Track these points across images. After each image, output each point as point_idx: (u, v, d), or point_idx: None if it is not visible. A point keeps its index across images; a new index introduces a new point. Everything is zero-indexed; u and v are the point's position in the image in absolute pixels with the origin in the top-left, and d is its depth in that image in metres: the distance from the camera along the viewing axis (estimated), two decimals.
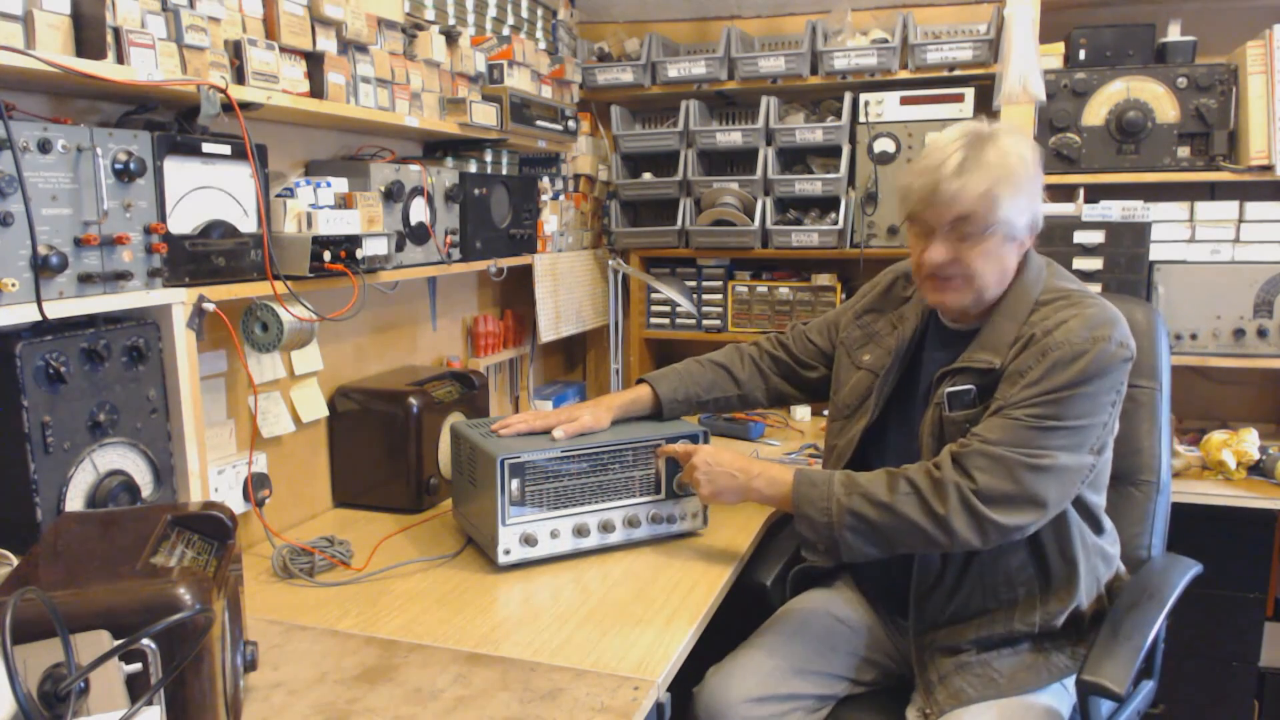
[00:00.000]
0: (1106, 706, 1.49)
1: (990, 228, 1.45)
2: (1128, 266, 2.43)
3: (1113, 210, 2.43)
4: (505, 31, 2.49)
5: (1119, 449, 1.70)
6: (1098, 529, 1.57)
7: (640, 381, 1.90)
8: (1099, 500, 1.57)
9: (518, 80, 2.41)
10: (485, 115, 2.21)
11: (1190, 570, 1.67)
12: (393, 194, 1.90)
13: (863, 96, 2.72)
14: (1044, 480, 1.40)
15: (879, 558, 1.50)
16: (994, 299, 1.52)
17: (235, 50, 1.55)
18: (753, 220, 2.77)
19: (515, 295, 2.72)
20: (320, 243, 1.65)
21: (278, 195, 1.69)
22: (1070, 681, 1.53)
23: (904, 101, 2.67)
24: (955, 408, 1.51)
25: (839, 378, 1.79)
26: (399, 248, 1.92)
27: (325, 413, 2.00)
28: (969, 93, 2.63)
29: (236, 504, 1.68)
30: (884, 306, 1.77)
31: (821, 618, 1.69)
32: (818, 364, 1.88)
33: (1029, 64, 2.41)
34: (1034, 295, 1.51)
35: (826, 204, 2.80)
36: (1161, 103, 2.43)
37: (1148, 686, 1.68)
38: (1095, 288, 2.41)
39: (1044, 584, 1.52)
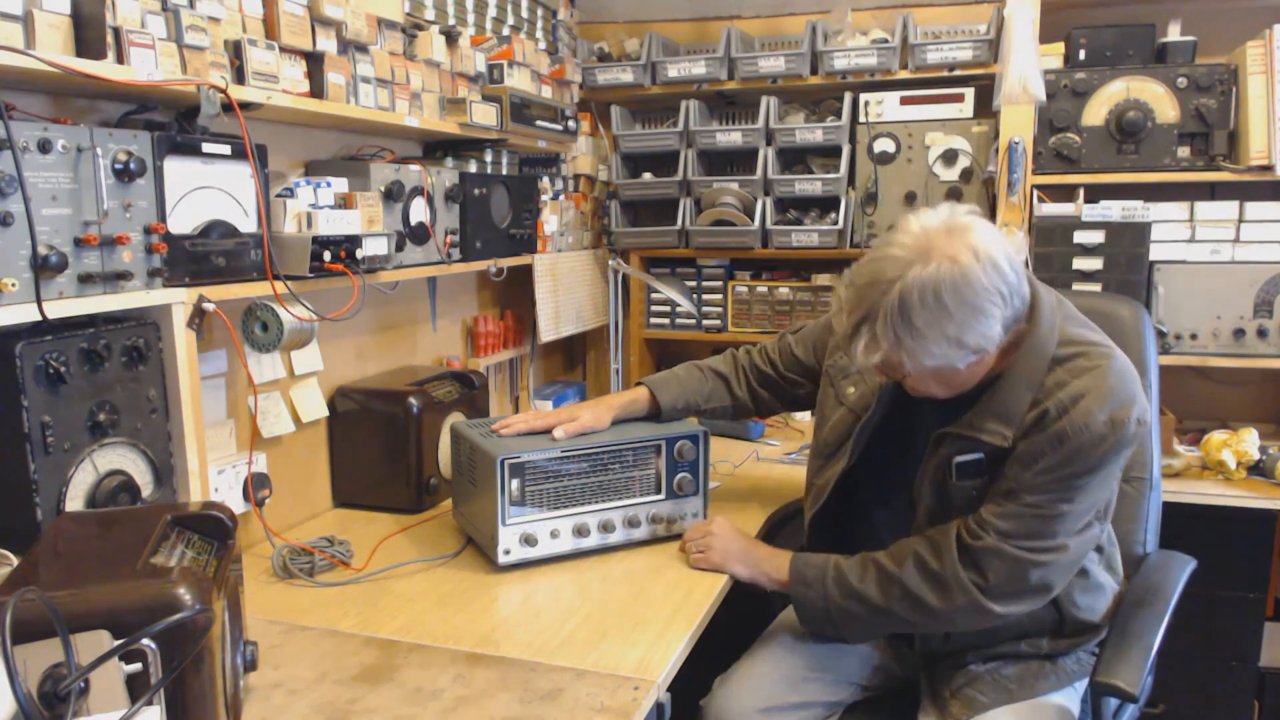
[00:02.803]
0: (1113, 702, 1.50)
1: (914, 373, 1.35)
2: (1128, 266, 2.43)
3: (1113, 210, 2.43)
4: (505, 31, 2.49)
5: None
6: (1099, 553, 1.56)
7: (640, 384, 1.89)
8: (1104, 531, 1.54)
9: (518, 80, 2.41)
10: (485, 115, 2.21)
11: (1188, 566, 1.69)
12: (393, 194, 1.90)
13: (863, 96, 2.72)
14: (1052, 571, 1.40)
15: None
16: (970, 388, 1.40)
17: (235, 50, 1.55)
18: (753, 220, 2.77)
19: (515, 295, 2.72)
20: (320, 243, 1.65)
21: (278, 195, 1.69)
22: (1079, 683, 1.53)
23: (904, 101, 2.67)
24: (963, 476, 1.43)
25: (823, 411, 1.71)
26: (399, 248, 1.92)
27: (325, 413, 2.00)
28: (969, 93, 2.63)
29: (236, 504, 1.68)
30: None
31: None
32: (803, 380, 1.84)
33: (1029, 64, 2.41)
34: (1049, 351, 1.38)
35: (826, 204, 2.80)
36: (1161, 103, 2.43)
37: (1147, 682, 1.68)
38: (1095, 288, 2.42)
39: (1057, 621, 1.52)
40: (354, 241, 1.71)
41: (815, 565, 1.54)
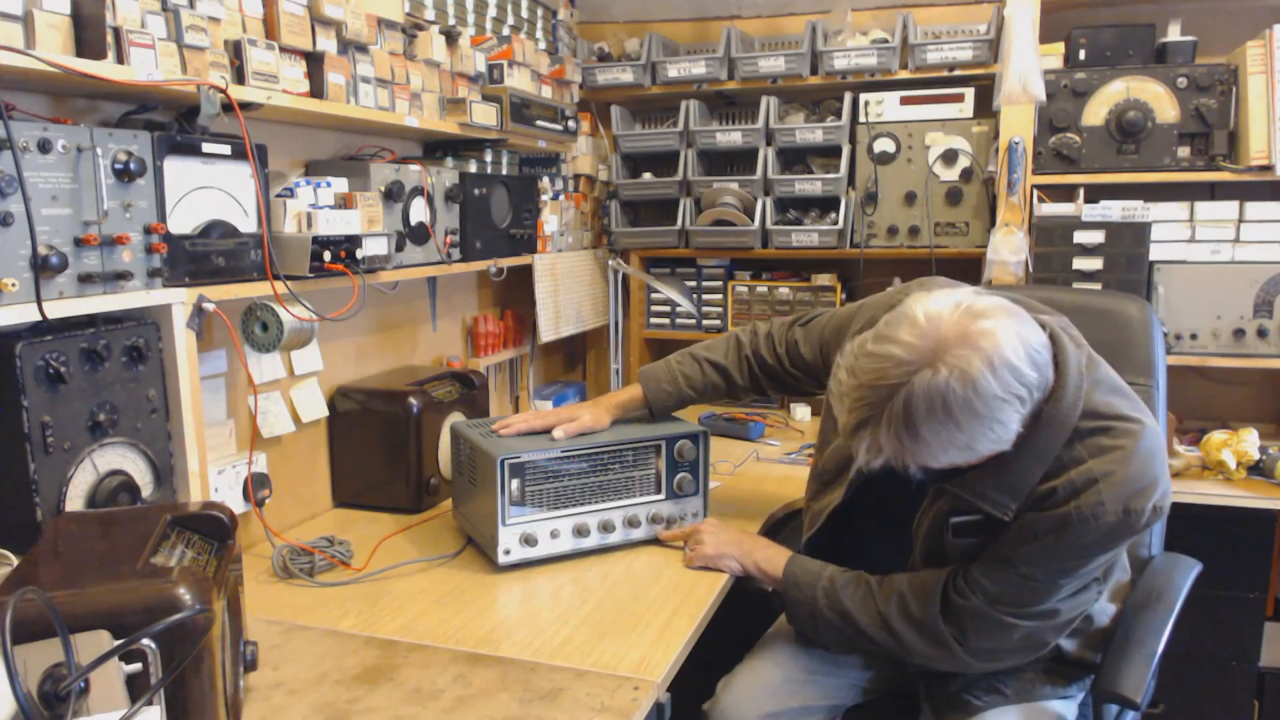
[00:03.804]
0: (1114, 708, 1.50)
1: (929, 469, 1.23)
2: (1128, 266, 2.43)
3: (1113, 210, 2.43)
4: (505, 31, 2.49)
5: None
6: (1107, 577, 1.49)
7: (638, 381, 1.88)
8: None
9: (518, 80, 2.41)
10: (485, 115, 2.21)
11: (1192, 570, 1.68)
12: (393, 194, 1.90)
13: (863, 96, 2.72)
14: (1041, 632, 1.37)
15: None
16: None
17: (235, 50, 1.55)
18: (753, 220, 2.77)
19: (515, 295, 2.72)
20: (320, 243, 1.65)
21: (278, 195, 1.69)
22: (1078, 687, 1.53)
23: (904, 101, 2.67)
24: (960, 535, 1.38)
25: (825, 433, 1.64)
26: (399, 248, 1.92)
27: (325, 413, 2.00)
28: (969, 93, 2.64)
29: (236, 504, 1.68)
30: None
31: None
32: (806, 377, 1.79)
33: (1029, 64, 2.41)
34: (1070, 423, 1.25)
35: (826, 204, 2.80)
36: (1161, 103, 2.43)
37: (1149, 684, 1.68)
38: (1095, 287, 2.42)
39: (1054, 658, 1.50)
40: (354, 241, 1.71)
41: (810, 571, 1.53)
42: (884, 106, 2.69)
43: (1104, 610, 1.52)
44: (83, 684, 0.80)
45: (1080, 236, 2.45)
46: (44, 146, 1.21)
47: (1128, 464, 1.23)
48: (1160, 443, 1.29)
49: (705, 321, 3.01)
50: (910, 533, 1.47)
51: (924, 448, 1.17)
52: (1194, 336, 2.44)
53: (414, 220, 1.99)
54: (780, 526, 1.97)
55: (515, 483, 1.65)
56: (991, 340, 1.15)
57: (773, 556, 1.60)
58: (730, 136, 2.83)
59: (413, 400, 1.96)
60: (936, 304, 1.20)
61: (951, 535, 1.37)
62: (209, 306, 1.48)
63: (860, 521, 1.61)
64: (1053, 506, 1.25)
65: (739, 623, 1.75)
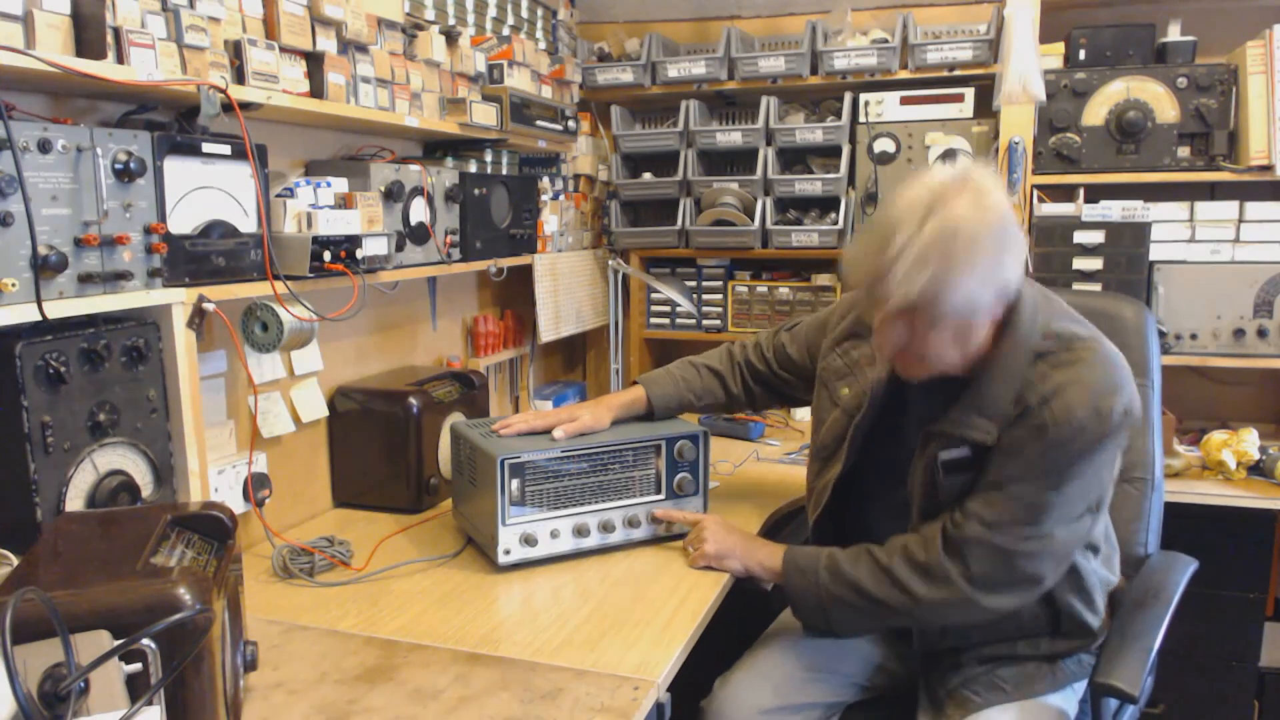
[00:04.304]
0: (1113, 703, 1.50)
1: (940, 319, 1.29)
2: (1128, 266, 2.43)
3: (1113, 210, 2.43)
4: (505, 31, 2.49)
5: None
6: (1095, 552, 1.55)
7: (637, 383, 1.89)
8: (1100, 528, 1.53)
9: (518, 80, 2.41)
10: (485, 115, 2.21)
11: (1189, 568, 1.68)
12: (393, 194, 1.90)
13: (863, 96, 2.72)
14: (1041, 563, 1.38)
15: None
16: (969, 365, 1.39)
17: (235, 50, 1.55)
18: (753, 220, 2.77)
19: (515, 295, 2.72)
20: (320, 243, 1.65)
21: (278, 195, 1.69)
22: (1078, 684, 1.53)
23: (904, 101, 2.67)
24: (950, 473, 1.43)
25: (819, 414, 1.70)
26: (399, 248, 1.92)
27: (325, 413, 2.00)
28: (969, 93, 2.63)
29: (236, 504, 1.68)
30: (865, 332, 1.62)
31: None
32: (795, 379, 1.84)
33: (1029, 64, 2.41)
34: (1031, 344, 1.37)
35: (826, 204, 2.80)
36: (1161, 103, 2.43)
37: (1147, 682, 1.68)
38: (1095, 287, 2.42)
39: (1053, 621, 1.51)
40: (354, 241, 1.71)
41: (809, 555, 1.54)
42: (884, 106, 2.69)
43: (1094, 571, 1.52)
44: (83, 684, 0.80)
45: (1080, 236, 2.45)
46: (44, 146, 1.21)
47: (1090, 370, 1.34)
48: (1119, 357, 1.38)
49: (705, 321, 3.01)
50: (906, 497, 1.51)
51: (920, 259, 1.24)
52: (1194, 336, 2.44)
53: (414, 220, 1.99)
54: (780, 526, 1.98)
55: (515, 483, 1.65)
56: (989, 188, 1.29)
57: (772, 552, 1.60)
58: (730, 136, 2.83)
59: (413, 400, 1.96)
60: (938, 173, 1.32)
61: (943, 475, 1.42)
62: (209, 306, 1.48)
63: (862, 494, 1.63)
64: (1029, 419, 1.34)
65: (739, 623, 1.75)
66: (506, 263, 2.42)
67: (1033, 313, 1.38)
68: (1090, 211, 2.44)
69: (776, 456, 2.44)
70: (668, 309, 3.05)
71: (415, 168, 2.00)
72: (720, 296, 2.98)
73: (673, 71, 2.83)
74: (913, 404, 1.52)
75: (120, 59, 1.33)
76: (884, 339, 1.38)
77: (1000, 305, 1.34)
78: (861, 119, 2.72)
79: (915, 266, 1.25)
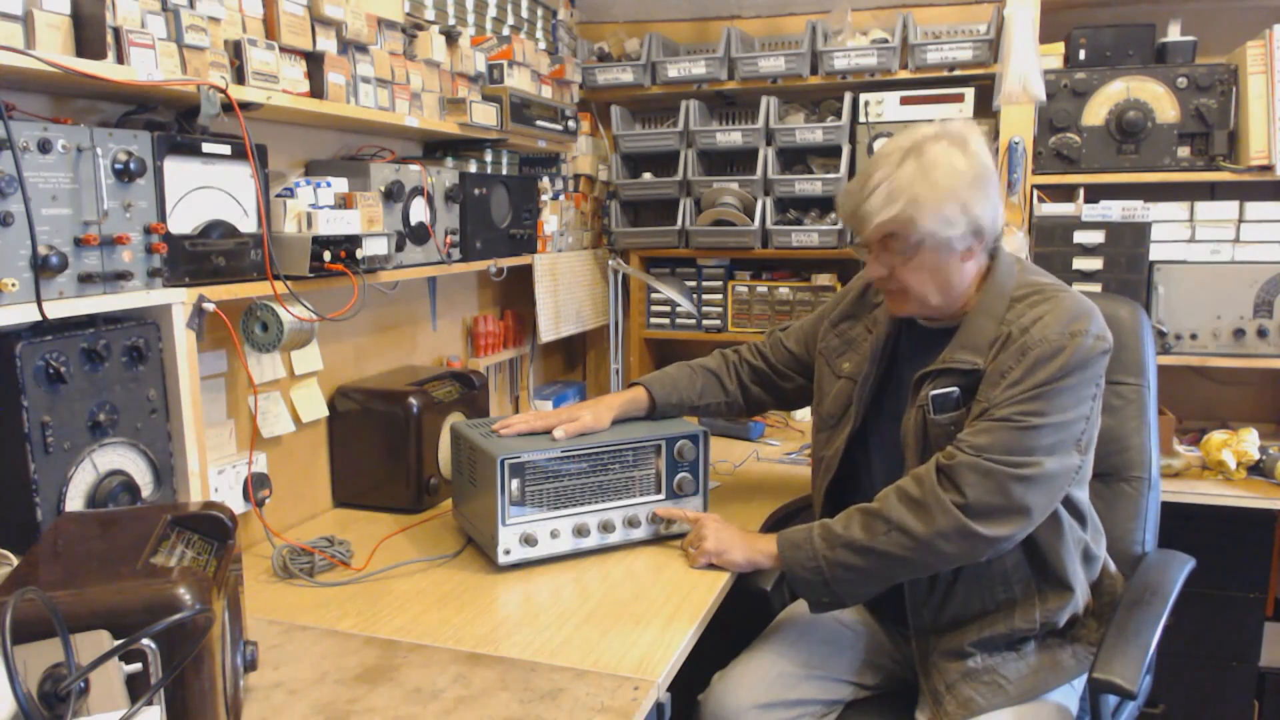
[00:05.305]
0: (1112, 701, 1.50)
1: (914, 244, 1.47)
2: (1128, 266, 2.43)
3: (1113, 210, 2.43)
4: (505, 31, 2.49)
5: (1109, 446, 1.73)
6: (1083, 525, 1.57)
7: (635, 384, 1.90)
8: (1084, 496, 1.57)
9: (518, 80, 2.41)
10: (485, 115, 2.21)
11: (1186, 565, 1.69)
12: (393, 194, 1.90)
13: (863, 96, 2.72)
14: (1032, 490, 1.41)
15: (883, 591, 1.51)
16: (952, 305, 1.54)
17: (235, 50, 1.55)
18: (753, 220, 2.77)
19: (515, 295, 2.72)
20: (320, 243, 1.65)
21: (278, 195, 1.69)
22: (1077, 681, 1.53)
23: (904, 101, 2.67)
24: (940, 410, 1.51)
25: (821, 388, 1.77)
26: (399, 248, 1.92)
27: (325, 413, 2.00)
28: (969, 93, 2.63)
29: (236, 504, 1.68)
30: (858, 312, 1.76)
31: (824, 622, 1.69)
32: (794, 374, 1.89)
33: (1029, 64, 2.41)
34: (1008, 292, 1.52)
35: (826, 204, 2.80)
36: (1161, 103, 2.43)
37: (1146, 681, 1.69)
38: (1095, 288, 2.42)
39: (1041, 581, 1.52)
40: (354, 241, 1.71)
41: (800, 530, 1.55)
42: (884, 106, 2.69)
43: (1074, 527, 1.54)
44: (83, 684, 0.80)
45: (1080, 236, 2.45)
46: (44, 146, 1.21)
47: (1061, 304, 1.48)
48: (1087, 299, 1.51)
49: (705, 321, 3.01)
50: (901, 451, 1.56)
51: (896, 187, 1.44)
52: (1194, 336, 2.44)
53: (414, 220, 1.99)
54: (781, 526, 1.96)
55: (515, 483, 1.65)
56: (967, 139, 1.52)
57: (769, 540, 1.61)
58: (730, 136, 2.83)
59: (413, 400, 1.96)
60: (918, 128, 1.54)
61: (933, 410, 1.51)
62: (209, 306, 1.48)
63: (868, 460, 1.67)
64: (1009, 345, 1.46)
65: (739, 621, 1.75)
66: (506, 263, 2.42)
67: (1009, 266, 1.56)
68: (1090, 211, 2.44)
69: (776, 456, 2.44)
70: (668, 309, 3.05)
71: (415, 168, 2.00)
72: (720, 296, 2.98)
73: (673, 71, 2.83)
74: (907, 361, 1.62)
75: (120, 59, 1.33)
76: (870, 270, 1.54)
77: (976, 244, 1.50)
78: (861, 119, 2.72)
79: (890, 197, 1.45)
